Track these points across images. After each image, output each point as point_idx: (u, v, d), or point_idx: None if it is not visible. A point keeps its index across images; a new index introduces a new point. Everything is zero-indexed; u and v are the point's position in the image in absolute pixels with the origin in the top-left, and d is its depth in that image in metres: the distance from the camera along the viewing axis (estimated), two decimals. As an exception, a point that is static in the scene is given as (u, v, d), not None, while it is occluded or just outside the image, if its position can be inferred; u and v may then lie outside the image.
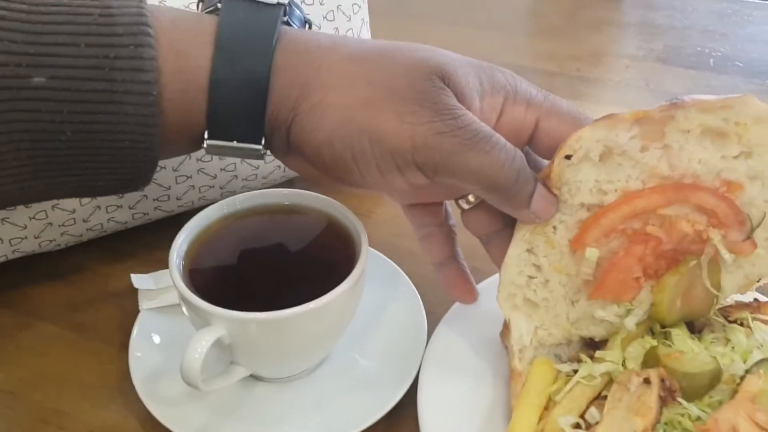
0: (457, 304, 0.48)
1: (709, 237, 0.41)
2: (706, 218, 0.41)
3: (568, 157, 0.39)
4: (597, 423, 0.37)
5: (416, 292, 0.50)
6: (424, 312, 0.48)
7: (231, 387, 0.43)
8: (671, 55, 0.85)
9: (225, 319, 0.38)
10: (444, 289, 0.47)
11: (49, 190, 0.37)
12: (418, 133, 0.36)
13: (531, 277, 0.43)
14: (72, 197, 0.45)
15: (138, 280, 0.50)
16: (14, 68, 0.33)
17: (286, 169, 0.59)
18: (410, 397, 0.43)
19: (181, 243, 0.42)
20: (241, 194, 0.46)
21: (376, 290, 0.48)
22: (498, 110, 0.40)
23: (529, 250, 0.43)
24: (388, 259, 0.52)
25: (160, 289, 0.49)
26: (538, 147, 0.42)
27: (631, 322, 0.41)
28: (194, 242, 0.44)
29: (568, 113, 0.41)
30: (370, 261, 0.42)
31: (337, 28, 0.57)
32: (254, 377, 0.44)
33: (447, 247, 0.47)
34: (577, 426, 0.38)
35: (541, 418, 0.39)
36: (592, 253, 0.41)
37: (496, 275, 0.50)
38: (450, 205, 0.47)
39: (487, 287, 0.50)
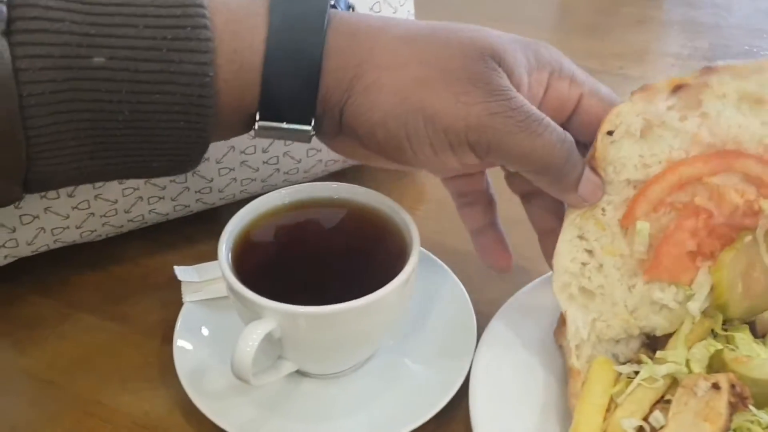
0: (507, 304, 0.47)
1: (761, 208, 0.40)
2: (755, 189, 0.40)
3: (610, 133, 0.40)
4: (662, 427, 0.36)
5: (464, 291, 0.48)
6: (473, 311, 0.47)
7: (277, 382, 0.42)
8: (718, 53, 0.83)
9: (277, 313, 0.37)
10: (479, 256, 0.47)
11: (104, 170, 0.37)
12: (471, 113, 0.37)
13: (584, 264, 0.42)
14: (125, 178, 0.45)
15: (182, 272, 0.49)
16: (76, 48, 0.33)
17: (328, 163, 0.58)
18: (459, 397, 0.42)
19: (229, 234, 0.42)
20: (290, 187, 0.46)
21: (424, 288, 0.47)
22: (544, 85, 0.41)
23: (580, 236, 0.42)
24: (435, 257, 0.51)
25: (204, 281, 0.48)
26: (577, 125, 0.42)
27: (694, 307, 0.40)
28: (242, 234, 0.43)
29: (608, 95, 0.42)
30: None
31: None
32: (300, 373, 0.43)
33: (487, 214, 0.47)
34: (641, 429, 0.36)
35: (603, 420, 0.38)
36: (642, 227, 0.41)
37: (548, 274, 0.49)
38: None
39: (539, 286, 0.48)
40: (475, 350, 0.44)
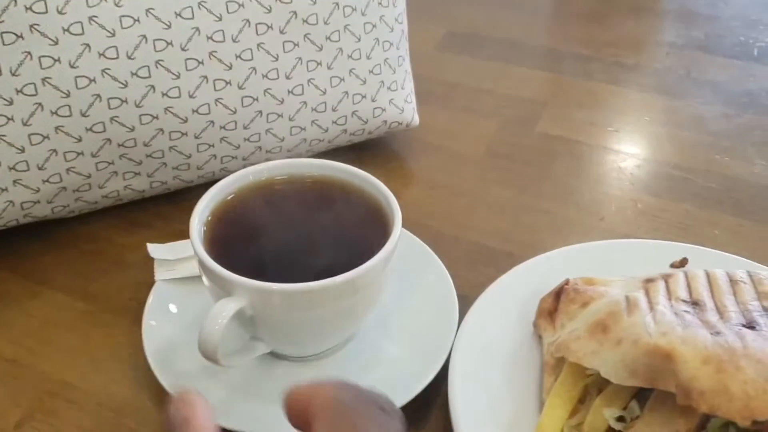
0: (489, 289, 0.45)
1: None
2: None
3: None
4: (637, 417, 0.34)
5: (448, 274, 0.47)
6: (455, 295, 0.45)
7: (250, 364, 0.40)
8: (713, 44, 0.82)
9: (248, 289, 0.35)
10: None
11: None
12: None
13: None
14: None
15: (155, 249, 0.47)
16: None
17: (312, 142, 0.56)
18: (439, 381, 0.40)
19: (203, 209, 0.40)
20: (268, 162, 0.44)
21: (406, 270, 0.46)
22: None
23: None
24: (419, 239, 0.49)
25: (178, 260, 0.46)
26: None
27: None
28: (217, 209, 0.41)
29: None
30: (401, 240, 0.40)
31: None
32: (274, 355, 0.41)
33: None
34: (621, 419, 0.35)
35: (575, 412, 0.36)
36: None
37: (530, 260, 0.48)
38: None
39: (522, 271, 0.47)
40: (456, 335, 0.42)
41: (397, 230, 0.39)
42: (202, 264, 0.37)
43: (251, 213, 0.42)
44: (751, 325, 0.34)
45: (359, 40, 0.54)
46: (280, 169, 0.44)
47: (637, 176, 0.61)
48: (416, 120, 0.61)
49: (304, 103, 0.54)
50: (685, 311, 0.36)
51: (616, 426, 0.34)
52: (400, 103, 0.59)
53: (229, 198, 0.42)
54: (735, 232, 0.55)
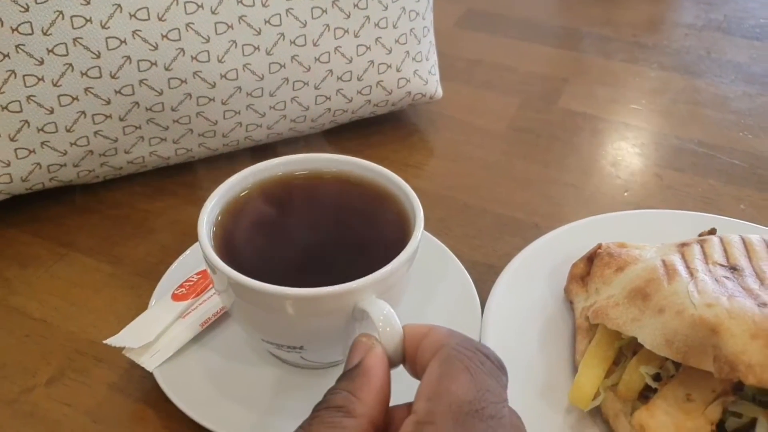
0: (517, 258, 0.45)
1: None
2: None
3: None
4: (672, 376, 0.34)
5: (463, 268, 0.45)
6: (475, 290, 0.43)
7: (267, 376, 0.39)
8: (732, 25, 0.81)
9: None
10: None
11: None
12: None
13: None
14: None
15: (120, 340, 0.39)
16: None
17: (336, 112, 0.56)
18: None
19: (210, 211, 0.37)
20: (281, 157, 0.41)
21: (423, 271, 0.43)
22: None
23: None
24: (437, 240, 0.47)
25: (155, 338, 0.39)
26: None
27: None
28: (229, 208, 0.38)
29: None
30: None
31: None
32: (293, 365, 0.40)
33: None
34: (657, 376, 0.35)
35: (610, 373, 0.36)
36: None
37: (557, 230, 0.47)
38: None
39: (549, 241, 0.46)
40: (484, 307, 0.41)
41: (419, 230, 0.36)
42: (241, 284, 0.33)
43: (265, 212, 0.39)
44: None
45: (386, 8, 0.54)
46: (294, 164, 0.41)
47: (661, 152, 0.60)
48: (440, 92, 0.61)
49: (330, 71, 0.53)
50: (725, 277, 0.35)
51: (653, 384, 0.34)
52: (424, 75, 0.58)
53: (242, 194, 0.39)
54: (761, 206, 0.55)
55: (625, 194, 0.55)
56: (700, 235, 0.47)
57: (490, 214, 0.53)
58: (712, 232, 0.47)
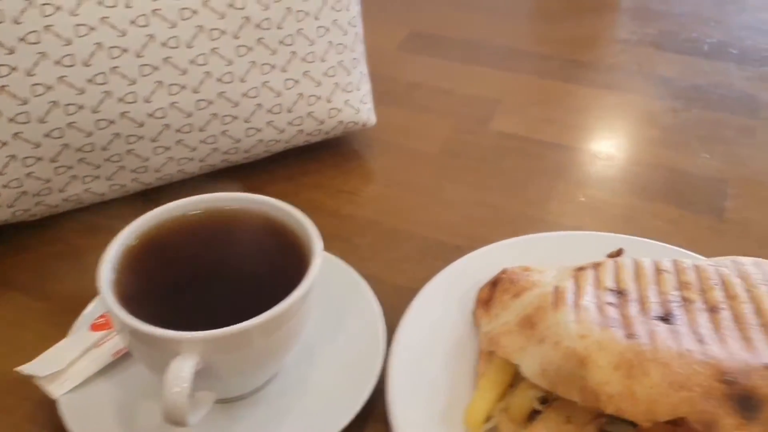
0: (430, 283, 0.47)
1: None
2: None
3: None
4: (557, 399, 0.37)
5: (369, 288, 0.47)
6: (381, 315, 0.45)
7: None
8: (665, 40, 0.84)
9: (199, 343, 0.34)
10: None
11: None
12: None
13: None
14: None
15: (32, 368, 0.41)
16: None
17: (269, 143, 0.58)
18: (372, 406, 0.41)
19: (112, 256, 0.39)
20: (179, 200, 0.42)
21: (331, 295, 0.46)
22: None
23: None
24: (341, 260, 0.49)
25: (67, 365, 0.41)
26: None
27: None
28: (128, 253, 0.40)
29: None
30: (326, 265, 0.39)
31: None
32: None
33: None
34: (544, 400, 0.37)
35: (505, 397, 0.38)
36: None
37: (472, 252, 0.50)
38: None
39: (464, 264, 0.49)
40: (389, 343, 0.43)
41: (317, 260, 0.38)
42: (135, 332, 0.35)
43: (162, 256, 0.40)
44: (667, 317, 0.36)
45: (313, 43, 0.56)
46: (192, 205, 0.43)
47: (586, 171, 0.63)
48: (372, 120, 0.63)
49: (259, 105, 0.55)
50: (609, 303, 0.38)
51: (539, 407, 0.36)
52: (355, 104, 0.61)
53: (135, 245, 0.40)
54: (676, 222, 0.57)
55: (548, 215, 0.58)
56: (608, 255, 0.49)
57: (416, 237, 0.55)
58: (619, 252, 0.50)
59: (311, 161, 0.63)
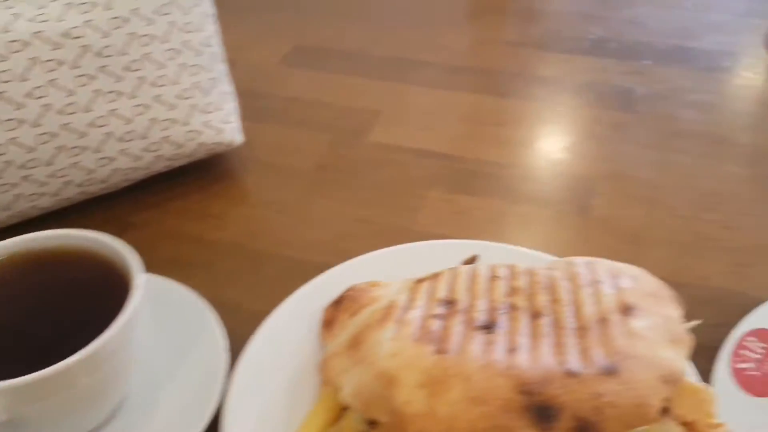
0: (282, 305, 0.46)
1: None
2: None
3: None
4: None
5: (207, 307, 0.46)
6: (222, 341, 0.44)
7: None
8: (548, 40, 0.85)
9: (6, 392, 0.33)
10: None
11: None
12: None
13: None
14: None
15: None
16: None
17: (126, 171, 0.56)
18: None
19: None
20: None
21: (172, 328, 0.45)
22: None
23: None
24: (191, 291, 0.47)
25: None
26: None
27: None
28: None
29: None
30: (162, 290, 0.39)
31: (172, 22, 0.55)
32: None
33: None
34: (373, 423, 0.36)
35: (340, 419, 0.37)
36: None
37: (332, 270, 0.49)
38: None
39: (317, 283, 0.48)
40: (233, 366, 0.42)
41: (135, 296, 0.37)
42: None
43: None
44: (489, 326, 0.36)
45: (163, 67, 0.55)
46: (2, 248, 0.41)
47: (458, 178, 0.63)
48: (239, 139, 0.62)
49: (109, 134, 0.54)
50: (436, 315, 0.37)
51: (367, 430, 0.35)
52: (217, 124, 0.59)
53: None
54: (543, 224, 0.57)
55: (416, 225, 0.57)
56: (463, 263, 0.49)
57: (280, 258, 0.54)
58: (473, 259, 0.49)
59: (177, 186, 0.61)
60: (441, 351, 0.34)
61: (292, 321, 0.45)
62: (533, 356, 0.33)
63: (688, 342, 0.35)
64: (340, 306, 0.43)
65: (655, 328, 0.35)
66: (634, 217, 0.58)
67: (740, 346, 0.44)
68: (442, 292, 0.40)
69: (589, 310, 0.36)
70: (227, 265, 0.53)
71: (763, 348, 0.44)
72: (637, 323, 0.35)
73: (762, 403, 0.41)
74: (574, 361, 0.32)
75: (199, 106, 0.58)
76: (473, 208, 0.59)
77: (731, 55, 0.81)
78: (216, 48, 0.59)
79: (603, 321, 0.35)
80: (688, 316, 0.48)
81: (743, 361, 0.43)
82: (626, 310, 0.36)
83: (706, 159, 0.65)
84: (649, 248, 0.55)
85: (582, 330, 0.35)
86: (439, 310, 0.38)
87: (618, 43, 0.84)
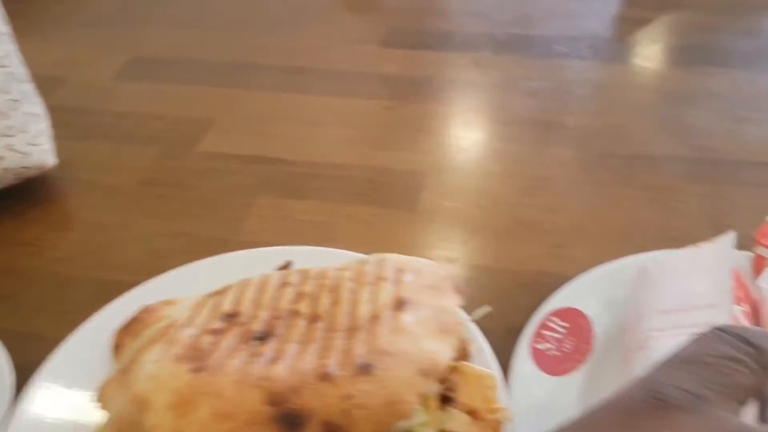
0: (78, 329, 0.44)
1: None
2: None
3: None
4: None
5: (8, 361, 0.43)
6: (12, 380, 0.42)
7: None
8: (393, 37, 0.85)
9: None
10: None
11: None
12: None
13: None
14: None
15: None
16: None
17: None
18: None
19: None
20: None
21: None
22: None
23: None
24: None
25: None
26: None
27: None
28: None
29: None
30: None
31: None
32: None
33: None
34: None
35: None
36: None
37: (131, 291, 0.47)
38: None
39: (118, 305, 0.46)
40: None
41: None
42: None
43: None
44: (264, 336, 0.35)
45: (-51, 91, 0.51)
46: None
47: (288, 183, 0.61)
48: (50, 161, 0.59)
49: None
50: (212, 331, 0.36)
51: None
52: (22, 148, 0.56)
53: None
54: (370, 223, 0.57)
55: (241, 234, 0.56)
56: (279, 269, 0.48)
57: (92, 282, 0.52)
58: (287, 265, 0.48)
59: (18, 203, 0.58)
60: (198, 369, 0.32)
61: (87, 346, 0.43)
62: (295, 364, 0.32)
63: (459, 331, 0.35)
64: (129, 329, 0.41)
65: (424, 321, 0.34)
66: (459, 209, 0.58)
67: (543, 326, 0.45)
68: (227, 306, 0.38)
69: (364, 309, 0.35)
70: (35, 294, 0.50)
71: (564, 327, 0.45)
72: (407, 318, 0.34)
73: (559, 381, 0.42)
74: (333, 365, 0.31)
75: (-1, 129, 0.55)
76: (302, 213, 0.58)
77: (569, 41, 0.83)
78: (15, 68, 0.56)
79: (375, 319, 0.34)
80: (506, 301, 0.49)
81: (544, 341, 0.44)
82: (399, 305, 0.35)
83: (536, 145, 0.66)
84: (471, 237, 0.55)
85: (352, 330, 0.34)
86: (219, 324, 0.36)
87: (460, 35, 0.84)
